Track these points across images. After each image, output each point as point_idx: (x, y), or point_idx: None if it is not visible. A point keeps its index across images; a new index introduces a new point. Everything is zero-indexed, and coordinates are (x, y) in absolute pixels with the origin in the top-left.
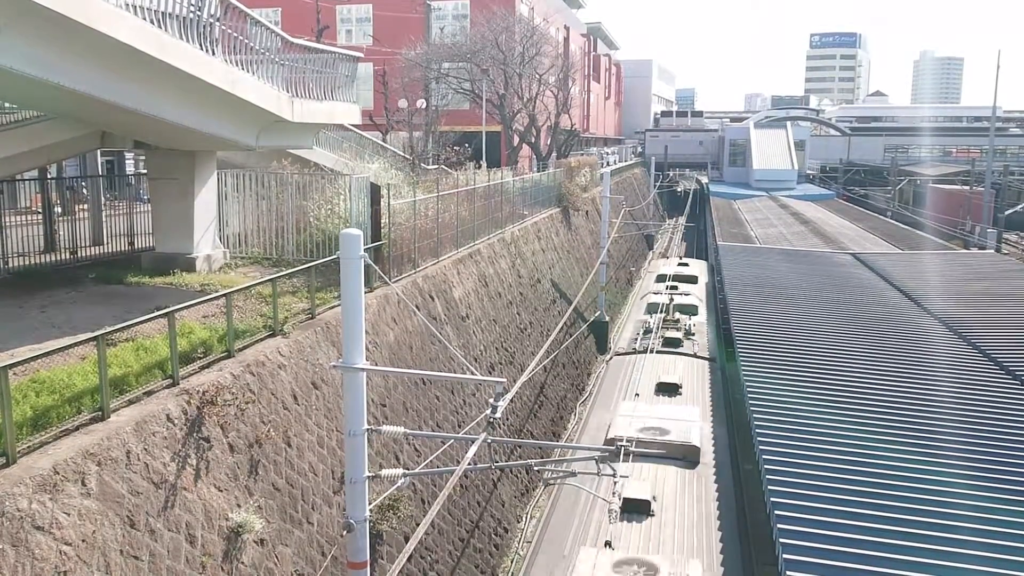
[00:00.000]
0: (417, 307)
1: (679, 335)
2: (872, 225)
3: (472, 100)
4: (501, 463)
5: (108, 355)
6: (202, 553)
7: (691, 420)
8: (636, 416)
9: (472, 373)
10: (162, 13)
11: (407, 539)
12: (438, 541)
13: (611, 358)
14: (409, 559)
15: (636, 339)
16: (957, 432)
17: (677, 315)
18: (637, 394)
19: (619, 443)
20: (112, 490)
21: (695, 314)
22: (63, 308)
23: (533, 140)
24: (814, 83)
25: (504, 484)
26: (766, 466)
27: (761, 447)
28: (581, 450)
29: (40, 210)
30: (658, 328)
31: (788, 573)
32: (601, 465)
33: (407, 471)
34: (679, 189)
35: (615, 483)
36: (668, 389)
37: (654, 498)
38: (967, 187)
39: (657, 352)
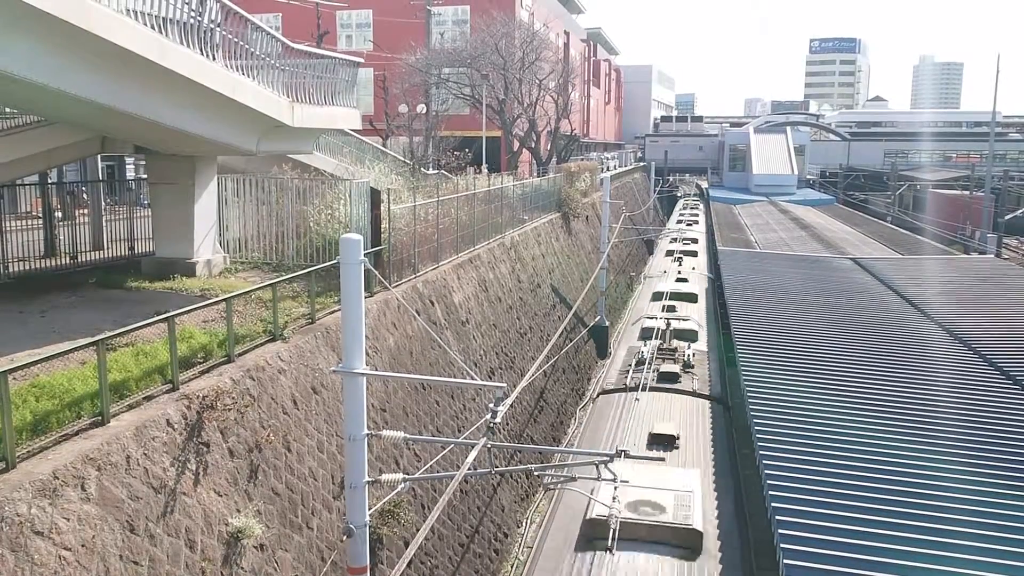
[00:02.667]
0: (417, 312)
1: (676, 368)
2: (872, 230)
3: (472, 105)
4: (501, 468)
5: (108, 360)
6: (202, 558)
7: (691, 490)
8: (623, 484)
9: (472, 378)
10: (163, 18)
11: (407, 544)
12: (438, 546)
13: (597, 396)
14: (409, 564)
15: (627, 372)
16: (960, 437)
17: (674, 342)
18: (625, 452)
19: (600, 526)
20: (112, 495)
21: (695, 340)
22: (63, 313)
23: (533, 145)
24: (814, 88)
25: (504, 489)
26: (768, 480)
27: (761, 450)
28: (581, 455)
29: (40, 215)
30: (652, 359)
31: None
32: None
33: (407, 476)
34: (679, 194)
35: (615, 487)
36: (663, 442)
37: None
38: (967, 192)
39: (651, 389)
